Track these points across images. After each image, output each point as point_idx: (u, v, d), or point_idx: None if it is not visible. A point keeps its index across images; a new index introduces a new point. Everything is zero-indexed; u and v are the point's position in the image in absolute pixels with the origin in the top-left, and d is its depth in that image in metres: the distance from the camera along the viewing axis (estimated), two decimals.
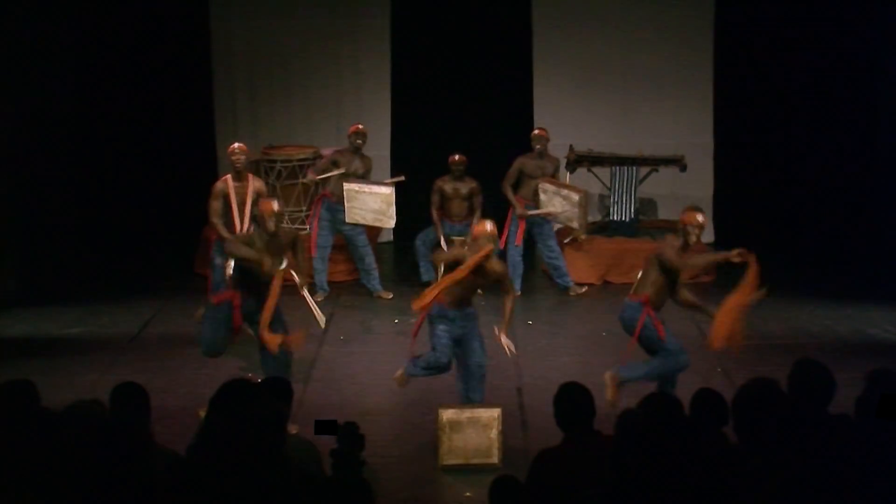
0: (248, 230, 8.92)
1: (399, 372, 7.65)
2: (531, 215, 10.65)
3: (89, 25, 12.06)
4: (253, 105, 12.79)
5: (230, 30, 12.65)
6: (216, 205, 9.27)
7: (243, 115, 12.79)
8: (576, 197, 10.42)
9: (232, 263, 9.04)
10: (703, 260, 8.05)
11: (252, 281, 7.64)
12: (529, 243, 11.01)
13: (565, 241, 11.03)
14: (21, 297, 10.52)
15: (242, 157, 9.37)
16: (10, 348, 9.20)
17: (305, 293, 8.05)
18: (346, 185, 10.34)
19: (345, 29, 12.66)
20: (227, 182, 9.33)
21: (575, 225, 10.67)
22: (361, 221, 10.51)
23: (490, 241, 7.37)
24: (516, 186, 10.74)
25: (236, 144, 9.45)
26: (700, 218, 7.33)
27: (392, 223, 10.45)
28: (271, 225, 7.56)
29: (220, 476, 3.61)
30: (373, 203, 10.29)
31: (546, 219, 10.71)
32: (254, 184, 9.37)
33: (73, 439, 3.67)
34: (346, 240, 10.74)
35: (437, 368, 7.52)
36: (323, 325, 8.56)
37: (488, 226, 7.42)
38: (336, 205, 10.50)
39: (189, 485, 3.63)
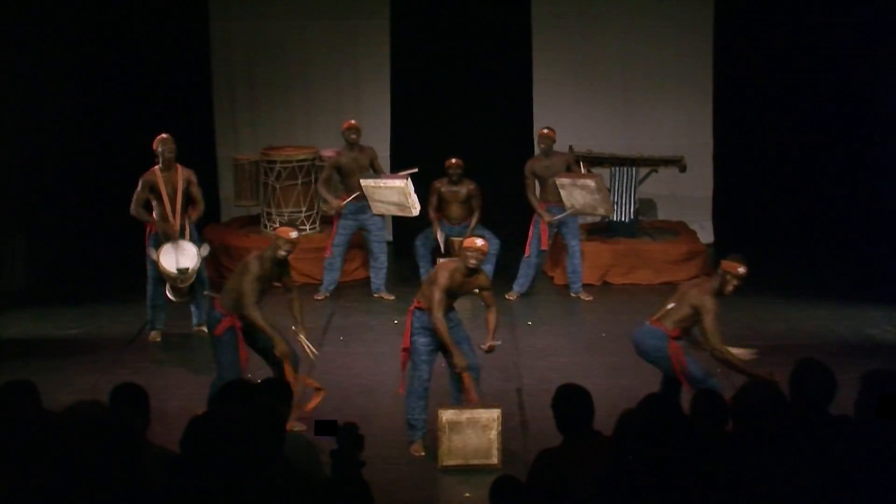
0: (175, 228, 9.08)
1: (415, 444, 7.35)
2: (558, 220, 10.55)
3: (89, 26, 12.04)
4: (253, 105, 12.77)
5: (230, 30, 12.63)
6: (141, 196, 9.20)
7: (243, 116, 12.78)
8: (592, 184, 10.41)
9: (207, 247, 9.15)
10: (735, 359, 6.95)
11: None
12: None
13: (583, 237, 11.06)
14: (21, 297, 10.52)
15: (171, 147, 9.24)
16: (10, 348, 9.19)
17: (301, 336, 7.76)
18: (363, 182, 10.37)
19: (344, 29, 12.64)
20: (156, 173, 9.24)
21: (601, 211, 10.66)
22: (386, 213, 10.59)
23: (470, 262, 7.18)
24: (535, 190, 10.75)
25: (165, 135, 9.34)
26: (741, 270, 6.98)
27: (416, 211, 10.40)
28: (283, 253, 7.48)
29: (220, 476, 3.61)
30: (391, 196, 10.32)
31: (572, 215, 10.67)
32: (183, 173, 9.30)
33: (72, 440, 3.67)
34: (364, 231, 10.74)
35: (420, 384, 7.31)
36: (314, 357, 7.99)
37: (478, 242, 7.20)
38: (359, 201, 10.51)
39: (189, 485, 3.63)
